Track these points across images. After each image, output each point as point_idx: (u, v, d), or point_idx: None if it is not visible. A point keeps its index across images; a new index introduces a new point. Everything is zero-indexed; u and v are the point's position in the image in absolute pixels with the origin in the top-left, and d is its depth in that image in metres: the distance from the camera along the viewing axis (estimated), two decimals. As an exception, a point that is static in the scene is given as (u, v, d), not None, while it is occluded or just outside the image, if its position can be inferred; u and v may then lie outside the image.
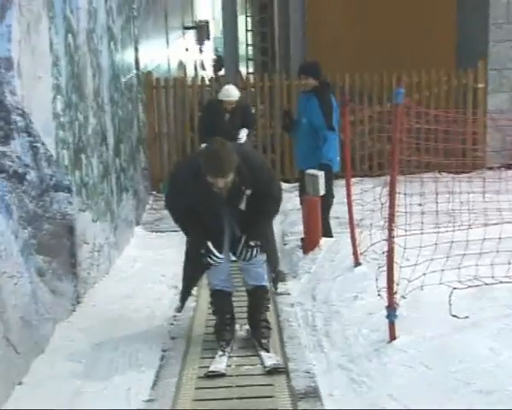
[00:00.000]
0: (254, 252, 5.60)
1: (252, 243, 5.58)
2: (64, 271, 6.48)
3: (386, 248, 5.75)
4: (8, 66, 5.37)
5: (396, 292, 5.55)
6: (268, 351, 5.62)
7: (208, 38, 21.27)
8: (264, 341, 5.75)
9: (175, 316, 6.70)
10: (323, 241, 8.27)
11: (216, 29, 28.73)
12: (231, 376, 5.25)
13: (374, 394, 4.81)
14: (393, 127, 5.53)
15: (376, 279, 5.93)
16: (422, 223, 6.65)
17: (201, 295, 6.88)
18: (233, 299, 6.04)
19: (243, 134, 10.14)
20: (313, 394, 5.01)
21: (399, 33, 12.65)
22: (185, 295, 6.16)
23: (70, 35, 6.91)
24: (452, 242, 6.30)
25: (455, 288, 5.73)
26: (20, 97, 5.61)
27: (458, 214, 7.43)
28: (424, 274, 5.79)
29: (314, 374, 5.36)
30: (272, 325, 6.13)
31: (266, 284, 5.99)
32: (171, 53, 15.73)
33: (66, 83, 6.74)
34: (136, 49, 10.61)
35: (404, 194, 6.09)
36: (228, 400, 4.89)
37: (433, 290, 5.89)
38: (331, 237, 8.47)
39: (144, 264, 8.36)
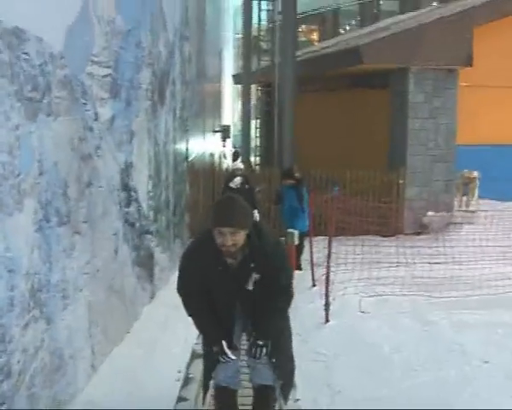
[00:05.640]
0: (263, 351, 3.95)
1: (260, 343, 3.95)
2: (147, 278, 7.92)
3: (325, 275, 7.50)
4: (131, 166, 6.94)
5: (329, 296, 7.29)
6: None
7: (229, 137, 22.79)
8: None
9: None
10: (296, 272, 8.68)
11: (234, 129, 29.58)
12: None
13: (312, 345, 6.42)
14: (330, 208, 7.69)
15: (322, 293, 7.58)
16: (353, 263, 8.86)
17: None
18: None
19: (256, 214, 10.20)
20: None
21: (353, 147, 14.59)
22: (206, 385, 4.34)
23: (156, 146, 8.51)
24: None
25: (363, 296, 7.60)
26: (135, 182, 7.15)
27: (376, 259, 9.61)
28: (345, 288, 7.89)
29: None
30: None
31: (273, 383, 4.17)
32: (206, 147, 17.37)
33: (153, 172, 8.28)
34: (187, 150, 12.22)
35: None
36: None
37: (351, 298, 7.72)
38: (301, 270, 9.73)
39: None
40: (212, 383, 4.22)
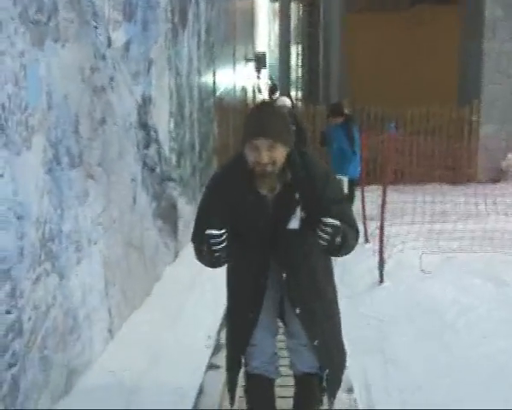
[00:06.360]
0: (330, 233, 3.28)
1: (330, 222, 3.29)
2: (171, 232, 8.27)
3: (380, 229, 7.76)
4: (149, 101, 7.24)
5: (384, 254, 7.59)
6: None
7: (264, 67, 22.86)
8: None
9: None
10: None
11: (271, 57, 29.48)
12: None
13: (364, 309, 6.79)
14: (387, 149, 7.88)
15: (375, 250, 7.88)
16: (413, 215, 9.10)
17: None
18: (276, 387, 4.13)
19: None
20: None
21: (415, 77, 14.69)
22: (233, 380, 4.04)
23: (178, 77, 8.81)
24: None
25: (424, 253, 7.79)
26: (154, 120, 7.42)
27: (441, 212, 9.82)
28: (403, 243, 8.14)
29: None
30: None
31: (320, 371, 3.92)
32: (237, 79, 17.52)
33: (175, 109, 8.58)
34: (214, 83, 12.50)
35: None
36: None
37: (409, 255, 7.93)
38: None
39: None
40: (243, 371, 4.06)
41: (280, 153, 3.45)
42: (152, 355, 5.73)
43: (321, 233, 3.30)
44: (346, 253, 3.59)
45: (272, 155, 3.42)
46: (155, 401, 4.92)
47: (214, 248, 3.38)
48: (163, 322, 6.57)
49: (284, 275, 3.72)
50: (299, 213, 3.57)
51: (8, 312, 3.96)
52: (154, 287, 7.47)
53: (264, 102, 3.83)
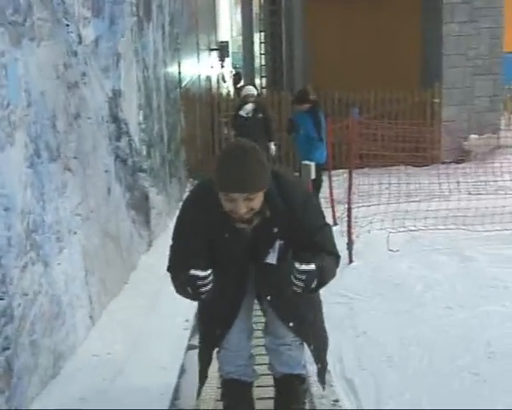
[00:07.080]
0: (304, 280, 3.26)
1: (300, 269, 3.25)
2: (144, 223, 8.52)
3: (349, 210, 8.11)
4: (119, 94, 7.50)
5: (352, 234, 7.96)
6: None
7: (228, 56, 23.02)
8: None
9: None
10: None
11: (234, 46, 29.72)
12: None
13: (334, 289, 6.71)
14: (351, 133, 8.24)
15: (343, 231, 8.27)
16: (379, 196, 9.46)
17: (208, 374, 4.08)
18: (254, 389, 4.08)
19: (272, 147, 11.09)
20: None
21: (378, 61, 14.84)
22: (203, 377, 3.97)
23: (145, 69, 9.07)
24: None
25: (391, 232, 8.19)
26: (124, 113, 7.67)
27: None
28: (370, 223, 8.51)
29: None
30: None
31: (303, 371, 3.94)
32: (201, 69, 17.77)
33: (143, 101, 8.85)
34: (180, 73, 12.75)
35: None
36: None
37: (377, 235, 8.35)
38: (319, 208, 10.74)
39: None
40: (218, 375, 4.08)
41: (258, 200, 3.32)
42: (133, 340, 6.02)
43: (295, 281, 3.26)
44: (327, 284, 3.59)
45: (250, 204, 3.28)
46: (140, 380, 5.21)
47: (200, 290, 3.31)
48: (141, 308, 6.85)
49: (269, 298, 3.74)
50: (277, 244, 3.56)
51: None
52: (130, 276, 7.74)
53: (235, 147, 3.40)
